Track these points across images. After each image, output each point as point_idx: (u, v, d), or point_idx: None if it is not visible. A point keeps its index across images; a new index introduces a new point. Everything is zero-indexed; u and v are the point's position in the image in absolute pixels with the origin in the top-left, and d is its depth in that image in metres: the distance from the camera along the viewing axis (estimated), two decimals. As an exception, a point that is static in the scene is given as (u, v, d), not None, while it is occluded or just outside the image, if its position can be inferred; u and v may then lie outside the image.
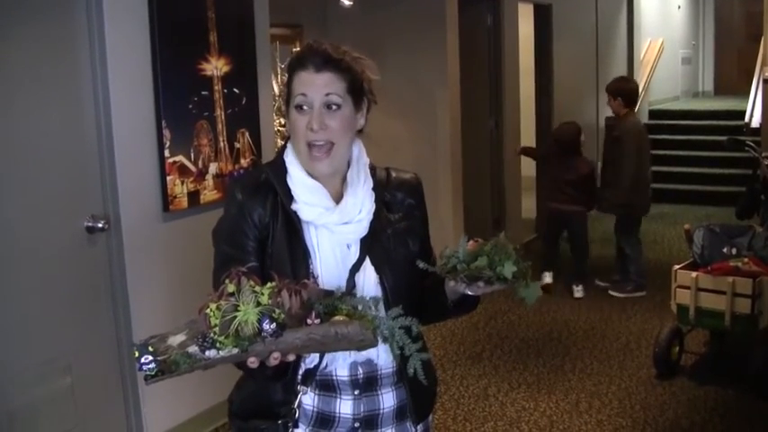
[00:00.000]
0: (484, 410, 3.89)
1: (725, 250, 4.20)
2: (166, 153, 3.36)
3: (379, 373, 1.65)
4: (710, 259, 4.19)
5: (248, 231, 1.61)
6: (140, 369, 1.30)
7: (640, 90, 7.22)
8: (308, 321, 1.35)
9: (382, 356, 1.63)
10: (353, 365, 1.63)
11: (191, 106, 3.46)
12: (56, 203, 3.03)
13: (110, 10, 3.10)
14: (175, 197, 3.43)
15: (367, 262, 1.63)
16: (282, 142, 1.74)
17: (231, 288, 1.32)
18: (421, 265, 1.56)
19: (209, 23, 3.52)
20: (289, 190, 1.63)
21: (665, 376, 4.19)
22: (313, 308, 1.37)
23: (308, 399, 1.64)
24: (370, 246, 1.64)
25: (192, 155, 3.49)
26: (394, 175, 1.76)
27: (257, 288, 1.33)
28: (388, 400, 1.67)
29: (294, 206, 1.61)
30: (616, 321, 5.15)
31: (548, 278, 5.74)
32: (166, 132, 3.35)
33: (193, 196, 3.51)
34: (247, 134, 3.79)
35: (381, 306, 1.55)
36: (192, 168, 3.50)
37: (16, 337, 2.90)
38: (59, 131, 3.03)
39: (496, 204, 6.82)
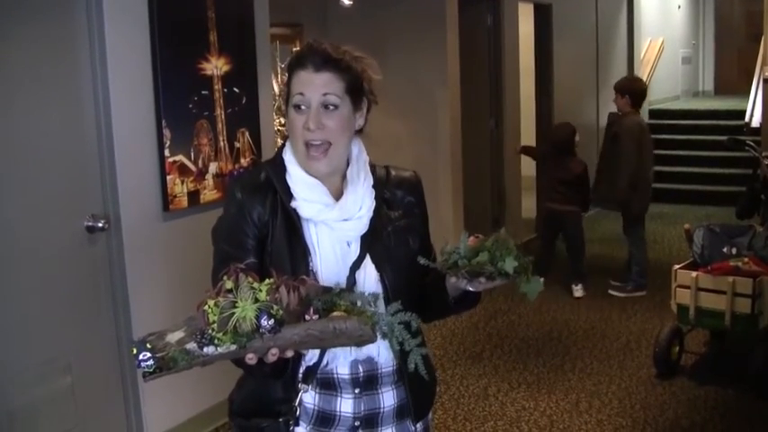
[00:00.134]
0: (484, 410, 3.89)
1: (725, 250, 4.20)
2: (166, 152, 3.36)
3: (380, 371, 1.65)
4: (711, 259, 4.19)
5: (248, 230, 1.61)
6: (139, 366, 1.30)
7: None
8: (307, 317, 1.35)
9: (383, 355, 1.63)
10: (354, 364, 1.63)
11: (191, 106, 3.47)
12: (56, 203, 3.03)
13: (110, 10, 3.10)
14: (175, 197, 3.43)
15: (367, 259, 1.63)
16: (282, 141, 1.74)
17: (229, 285, 1.32)
18: (422, 261, 1.57)
19: (209, 23, 3.52)
20: (288, 188, 1.63)
21: (665, 376, 4.19)
22: (311, 304, 1.37)
23: (309, 397, 1.64)
24: (371, 243, 1.64)
25: (192, 154, 3.50)
26: (393, 173, 1.76)
27: (255, 284, 1.33)
28: (388, 398, 1.67)
29: (294, 203, 1.62)
30: (616, 321, 5.15)
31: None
32: (166, 132, 3.36)
33: (193, 196, 3.51)
34: (247, 134, 3.79)
35: (381, 302, 1.55)
36: (192, 168, 3.50)
37: (16, 337, 2.91)
38: (59, 131, 3.03)
39: (496, 204, 6.82)
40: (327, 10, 5.77)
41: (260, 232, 1.62)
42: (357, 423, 1.65)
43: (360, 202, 1.64)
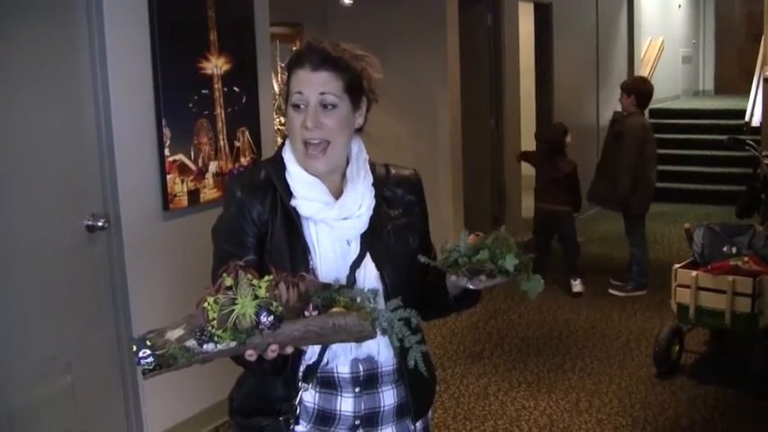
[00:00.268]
0: (484, 409, 3.89)
1: (725, 249, 4.20)
2: (166, 152, 3.37)
3: (380, 370, 1.65)
4: (711, 258, 4.18)
5: (247, 229, 1.61)
6: (138, 363, 1.30)
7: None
8: (306, 313, 1.35)
9: (383, 353, 1.63)
10: (354, 363, 1.63)
11: (191, 105, 3.47)
12: (56, 203, 3.03)
13: (110, 9, 3.10)
14: (175, 196, 3.43)
15: (367, 258, 1.63)
16: (282, 140, 1.74)
17: (229, 282, 1.32)
18: (422, 259, 1.57)
19: (209, 22, 3.52)
20: (288, 186, 1.63)
21: (665, 375, 4.19)
22: (311, 300, 1.37)
23: (309, 396, 1.64)
24: (371, 242, 1.64)
25: (192, 153, 3.50)
26: (393, 171, 1.76)
27: (255, 281, 1.33)
28: (388, 397, 1.68)
29: (293, 202, 1.62)
30: (616, 320, 5.15)
31: None
32: (166, 131, 3.36)
33: (193, 195, 3.51)
34: (247, 133, 3.79)
35: (380, 298, 1.55)
36: (192, 167, 3.50)
37: (16, 337, 2.91)
38: (59, 131, 3.03)
39: (496, 203, 6.83)
40: (327, 9, 5.77)
41: (260, 231, 1.62)
42: (357, 422, 1.65)
43: (359, 201, 1.64)
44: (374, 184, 1.68)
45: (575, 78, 8.03)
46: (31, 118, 2.92)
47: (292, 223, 1.61)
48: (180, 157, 3.43)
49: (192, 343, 1.31)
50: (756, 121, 8.30)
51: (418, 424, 1.74)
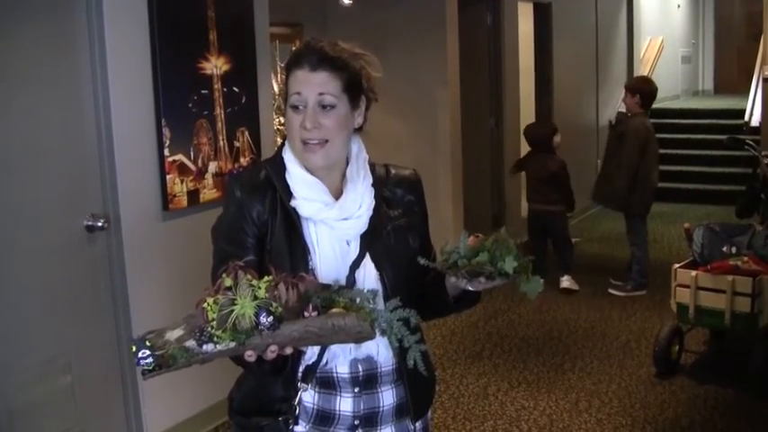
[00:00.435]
0: (483, 409, 3.89)
1: (725, 249, 4.20)
2: (166, 152, 3.37)
3: (379, 370, 1.66)
4: (710, 258, 4.19)
5: (247, 229, 1.61)
6: (138, 364, 1.30)
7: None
8: (306, 314, 1.35)
9: (382, 353, 1.63)
10: (354, 363, 1.63)
11: (190, 105, 3.47)
12: (56, 203, 3.03)
13: (110, 10, 3.10)
14: (175, 196, 3.43)
15: (367, 258, 1.63)
16: (282, 140, 1.74)
17: (228, 282, 1.33)
18: (422, 261, 1.57)
19: (208, 22, 3.52)
20: (288, 186, 1.63)
21: (664, 375, 4.19)
22: (310, 300, 1.38)
23: (309, 396, 1.64)
24: (371, 242, 1.64)
25: (192, 154, 3.50)
26: (393, 171, 1.76)
27: (254, 282, 1.33)
28: (387, 397, 1.68)
29: (293, 202, 1.62)
30: (616, 320, 5.15)
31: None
32: (166, 131, 3.36)
33: (193, 195, 3.51)
34: (247, 133, 3.79)
35: (380, 299, 1.55)
36: (192, 167, 3.51)
37: (16, 337, 2.91)
38: (59, 131, 3.03)
39: (496, 203, 6.83)
40: (327, 9, 5.77)
41: (259, 231, 1.62)
42: (356, 422, 1.65)
43: (359, 201, 1.64)
44: (374, 185, 1.68)
45: (574, 78, 8.03)
46: (31, 118, 2.92)
47: (292, 224, 1.61)
48: (179, 157, 3.43)
49: (191, 343, 1.31)
50: (756, 121, 8.30)
51: (418, 424, 1.74)
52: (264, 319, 1.30)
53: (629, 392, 4.02)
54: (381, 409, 1.67)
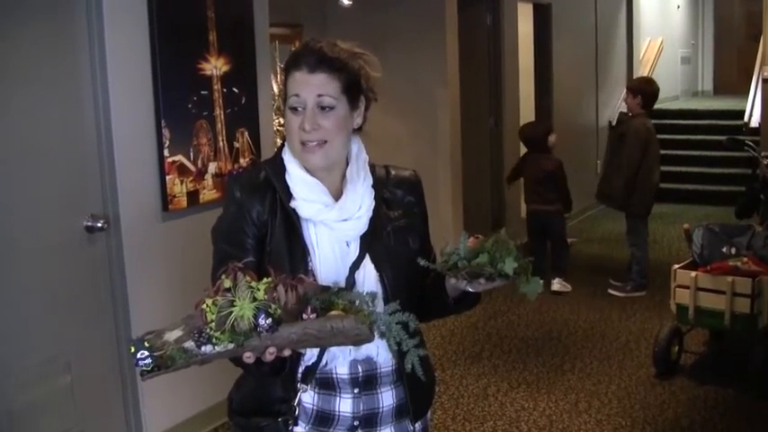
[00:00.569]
0: (483, 410, 3.89)
1: (724, 250, 4.20)
2: (166, 152, 3.37)
3: (379, 371, 1.65)
4: (710, 259, 4.19)
5: (247, 229, 1.61)
6: (137, 364, 1.30)
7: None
8: (304, 316, 1.35)
9: (382, 354, 1.63)
10: (353, 364, 1.63)
11: (190, 106, 3.47)
12: (55, 203, 3.03)
13: (109, 10, 3.10)
14: (175, 197, 3.43)
15: (367, 259, 1.63)
16: (281, 141, 1.74)
17: (227, 283, 1.32)
18: (422, 262, 1.56)
19: (208, 23, 3.52)
20: (287, 187, 1.63)
21: (664, 376, 4.19)
22: (309, 302, 1.38)
23: (308, 397, 1.64)
24: (370, 243, 1.64)
25: (192, 154, 3.50)
26: (393, 172, 1.76)
27: (253, 283, 1.33)
28: (387, 398, 1.67)
29: (293, 203, 1.61)
30: (616, 321, 5.15)
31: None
32: (166, 132, 3.36)
33: (193, 196, 3.51)
34: (246, 134, 3.79)
35: (379, 301, 1.55)
36: (192, 168, 3.50)
37: (16, 337, 2.91)
38: (59, 132, 3.03)
39: (496, 204, 6.83)
40: (327, 10, 5.77)
41: (259, 231, 1.61)
42: (356, 423, 1.65)
43: (359, 202, 1.63)
44: (374, 186, 1.68)
45: (574, 79, 8.03)
46: (31, 119, 2.92)
47: (292, 224, 1.61)
48: (179, 157, 3.43)
49: (190, 344, 1.31)
50: (755, 122, 8.31)
51: (417, 425, 1.74)
52: (263, 321, 1.30)
53: (628, 393, 4.02)
54: (381, 409, 1.67)
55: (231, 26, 3.66)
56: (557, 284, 5.72)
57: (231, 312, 1.30)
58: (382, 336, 1.45)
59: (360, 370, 1.64)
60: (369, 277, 1.62)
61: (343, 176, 1.66)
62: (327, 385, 1.64)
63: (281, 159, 1.66)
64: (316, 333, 1.34)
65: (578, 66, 8.20)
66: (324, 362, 1.61)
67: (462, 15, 5.84)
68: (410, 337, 1.46)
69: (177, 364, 1.31)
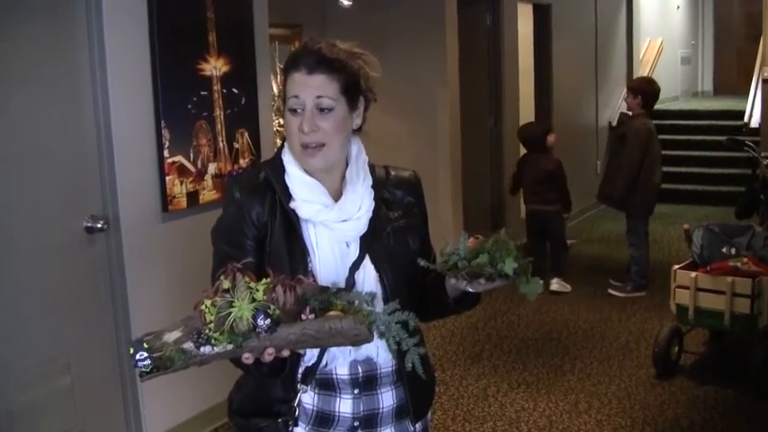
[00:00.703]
0: (483, 410, 3.89)
1: (724, 250, 4.20)
2: (165, 153, 3.37)
3: (379, 372, 1.65)
4: (710, 259, 4.19)
5: (247, 230, 1.61)
6: (136, 366, 1.30)
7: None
8: (303, 317, 1.35)
9: (382, 355, 1.63)
10: (353, 364, 1.63)
11: (190, 106, 3.47)
12: (55, 203, 3.03)
13: (109, 10, 3.10)
14: (174, 197, 3.43)
15: (366, 260, 1.63)
16: (281, 142, 1.73)
17: (226, 284, 1.32)
18: (422, 263, 1.56)
19: (208, 23, 3.52)
20: (287, 188, 1.63)
21: (664, 376, 4.19)
22: (308, 303, 1.38)
23: (308, 397, 1.64)
24: (370, 244, 1.64)
25: (192, 155, 3.50)
26: (393, 173, 1.76)
27: (252, 284, 1.33)
28: (387, 399, 1.67)
29: (292, 204, 1.61)
30: (616, 321, 5.15)
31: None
32: (165, 132, 3.36)
33: (192, 196, 3.51)
34: (246, 134, 3.79)
35: (378, 301, 1.55)
36: (192, 168, 3.50)
37: (16, 337, 2.91)
38: (59, 132, 3.03)
39: (496, 204, 6.82)
40: (327, 10, 5.77)
41: (259, 232, 1.61)
42: (356, 423, 1.65)
43: (359, 203, 1.63)
44: (374, 186, 1.68)
45: (574, 79, 8.03)
46: (31, 119, 2.92)
47: (291, 225, 1.61)
48: (179, 158, 3.43)
49: (189, 345, 1.31)
50: (755, 122, 8.30)
51: (417, 425, 1.74)
52: (262, 322, 1.30)
53: (628, 393, 4.02)
54: (381, 410, 1.67)
55: (231, 27, 3.66)
56: (556, 285, 5.72)
57: (230, 313, 1.30)
58: (381, 336, 1.45)
59: (360, 370, 1.64)
60: (368, 278, 1.62)
61: (343, 177, 1.66)
62: (327, 386, 1.64)
63: (281, 160, 1.66)
64: (314, 333, 1.34)
65: (578, 66, 8.20)
66: (324, 362, 1.61)
67: (462, 15, 5.84)
68: (410, 335, 1.46)
69: (176, 365, 1.31)
